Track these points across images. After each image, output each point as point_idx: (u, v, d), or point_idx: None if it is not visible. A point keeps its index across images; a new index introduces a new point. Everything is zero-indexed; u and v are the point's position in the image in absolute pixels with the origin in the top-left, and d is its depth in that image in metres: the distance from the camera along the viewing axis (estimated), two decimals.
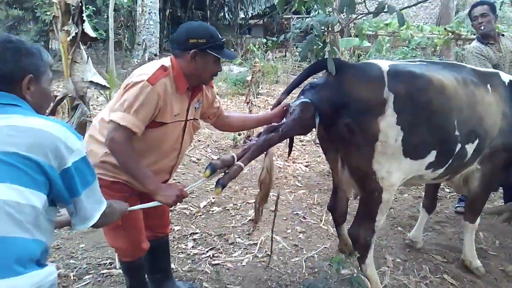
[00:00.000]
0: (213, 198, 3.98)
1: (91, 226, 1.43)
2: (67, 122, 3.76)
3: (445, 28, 6.54)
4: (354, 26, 7.28)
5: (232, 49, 2.37)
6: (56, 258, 2.92)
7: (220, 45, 1.92)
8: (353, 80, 2.22)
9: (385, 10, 2.30)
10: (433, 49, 9.10)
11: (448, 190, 4.50)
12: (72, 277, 2.72)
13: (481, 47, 3.66)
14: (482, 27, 3.54)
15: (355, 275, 2.21)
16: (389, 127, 2.15)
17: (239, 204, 3.95)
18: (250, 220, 3.62)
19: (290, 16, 17.10)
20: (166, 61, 1.96)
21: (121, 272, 2.79)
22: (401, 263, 3.00)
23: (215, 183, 2.05)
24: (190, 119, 2.09)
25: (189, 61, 1.90)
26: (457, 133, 2.29)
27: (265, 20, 20.46)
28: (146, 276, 2.42)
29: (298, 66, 13.39)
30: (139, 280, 2.37)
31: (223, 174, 2.07)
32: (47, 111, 1.53)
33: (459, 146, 2.33)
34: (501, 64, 3.52)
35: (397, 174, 2.25)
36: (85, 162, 1.34)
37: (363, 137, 2.18)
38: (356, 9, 2.42)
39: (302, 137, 6.50)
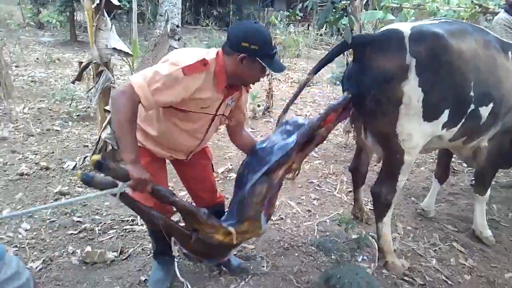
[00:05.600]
0: (230, 165, 4.11)
1: None
2: (92, 88, 3.91)
3: (472, 1, 6.31)
4: None
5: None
6: (82, 214, 3.12)
7: (271, 54, 1.87)
8: (375, 53, 2.28)
9: None
10: None
11: (465, 165, 4.49)
12: (97, 231, 2.91)
13: (509, 19, 3.58)
14: None
15: (363, 235, 2.29)
16: (411, 90, 2.22)
17: None
18: None
19: None
20: (212, 53, 1.90)
21: (143, 228, 2.98)
22: (412, 231, 3.07)
23: None
24: (219, 114, 2.06)
25: (236, 63, 1.86)
26: (471, 93, 2.32)
27: None
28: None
29: (320, 40, 13.22)
30: (164, 243, 2.29)
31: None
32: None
33: (472, 106, 2.35)
34: None
35: (417, 136, 2.32)
36: None
37: (389, 104, 2.27)
38: None
39: (322, 111, 6.53)
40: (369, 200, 3.21)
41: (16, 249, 2.65)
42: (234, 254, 2.58)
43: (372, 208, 2.77)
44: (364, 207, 3.18)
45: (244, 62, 1.85)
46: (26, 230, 2.86)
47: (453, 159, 3.64)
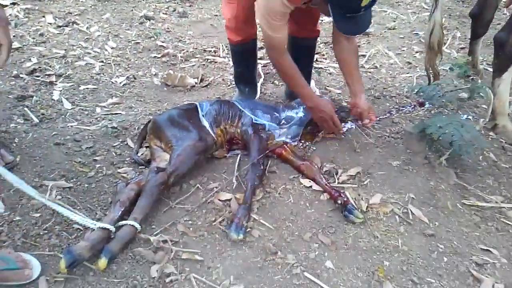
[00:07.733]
0: None
1: None
2: None
3: None
4: None
5: None
6: (166, 39, 3.03)
7: (346, 12, 1.57)
8: None
9: None
10: None
11: None
12: (179, 57, 2.83)
13: None
14: None
15: (478, 84, 1.89)
16: None
17: None
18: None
19: None
20: None
21: (225, 60, 2.84)
22: None
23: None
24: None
25: None
26: None
27: None
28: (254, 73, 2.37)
29: None
30: (245, 67, 2.27)
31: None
32: None
33: None
34: None
35: None
36: None
37: None
38: None
39: None
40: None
41: (102, 64, 2.67)
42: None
43: (491, 62, 2.29)
44: (479, 64, 2.66)
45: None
46: (112, 48, 2.86)
47: None
